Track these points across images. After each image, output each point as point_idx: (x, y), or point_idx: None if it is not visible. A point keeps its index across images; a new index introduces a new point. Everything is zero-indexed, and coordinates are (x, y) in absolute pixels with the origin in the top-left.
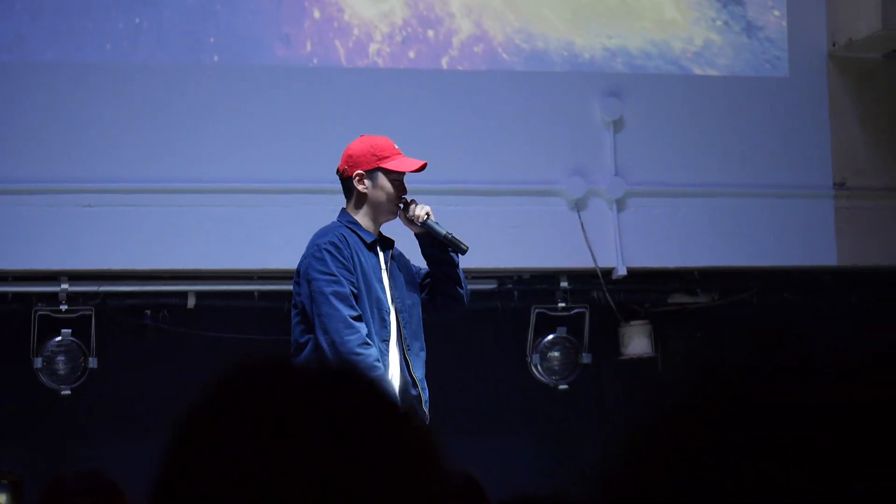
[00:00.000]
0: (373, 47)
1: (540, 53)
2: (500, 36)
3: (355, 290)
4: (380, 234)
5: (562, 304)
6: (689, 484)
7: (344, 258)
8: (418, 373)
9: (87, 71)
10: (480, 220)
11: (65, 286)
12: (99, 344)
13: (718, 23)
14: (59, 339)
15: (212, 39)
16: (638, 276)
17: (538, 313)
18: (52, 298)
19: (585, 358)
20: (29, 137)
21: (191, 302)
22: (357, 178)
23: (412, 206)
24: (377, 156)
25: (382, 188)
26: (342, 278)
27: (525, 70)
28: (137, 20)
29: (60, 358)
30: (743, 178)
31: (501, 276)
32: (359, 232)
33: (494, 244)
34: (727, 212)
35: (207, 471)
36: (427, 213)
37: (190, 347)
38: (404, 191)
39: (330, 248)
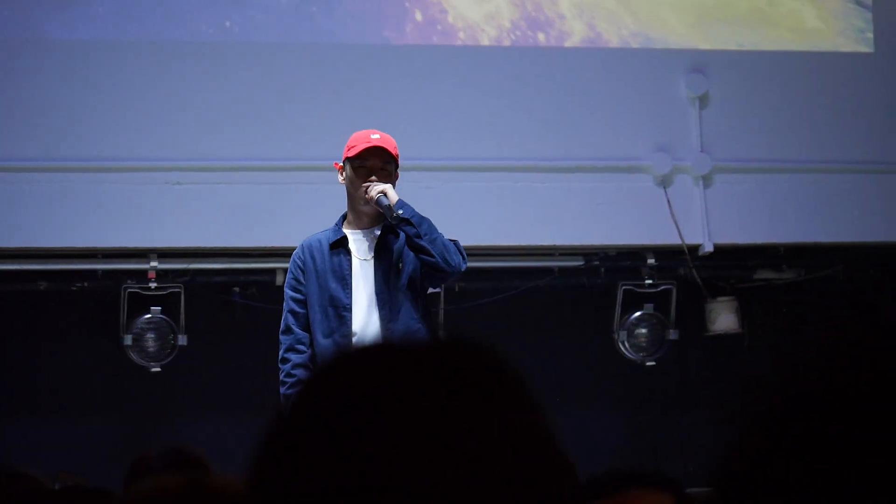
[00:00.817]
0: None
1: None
2: (615, 40)
3: (300, 297)
4: (380, 220)
5: (648, 281)
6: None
7: (296, 268)
8: None
9: (178, 50)
10: (567, 198)
11: (154, 263)
12: (188, 321)
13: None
14: (148, 316)
15: (306, 34)
16: (724, 252)
17: (625, 290)
18: (142, 276)
19: (672, 334)
20: (118, 116)
21: (279, 279)
22: (339, 172)
23: (369, 189)
24: (347, 147)
25: (349, 177)
26: (287, 291)
27: (609, 47)
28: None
29: (150, 335)
30: (829, 153)
31: (588, 253)
32: (330, 233)
33: (581, 221)
34: (813, 187)
35: (312, 446)
36: (382, 192)
37: (278, 324)
38: (371, 175)
39: (290, 262)
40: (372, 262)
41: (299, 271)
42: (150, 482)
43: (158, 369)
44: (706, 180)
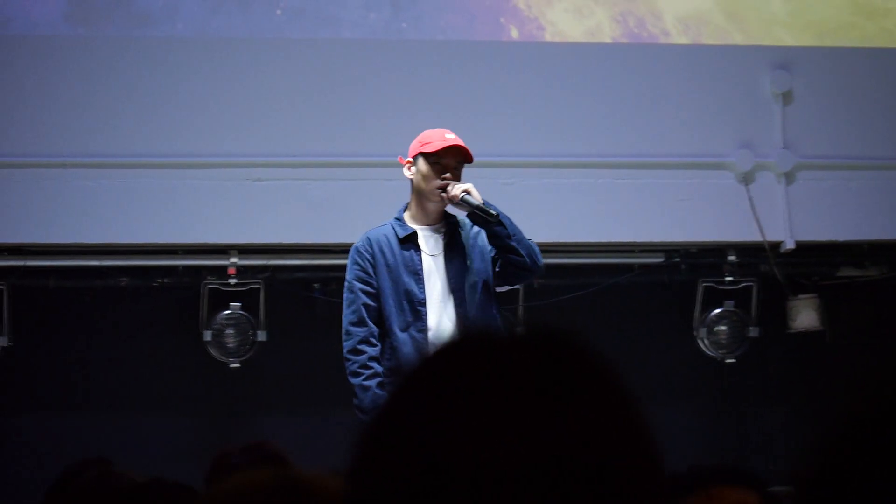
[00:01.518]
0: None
1: None
2: (705, 41)
3: (371, 290)
4: (444, 218)
5: (729, 278)
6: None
7: (363, 261)
8: None
9: (255, 46)
10: (648, 194)
11: (234, 259)
12: (267, 317)
13: None
14: (228, 312)
15: (393, 34)
16: (806, 250)
17: (705, 287)
18: (222, 272)
19: (753, 331)
20: (198, 112)
21: None
22: (406, 166)
23: (450, 187)
24: (421, 142)
25: (421, 172)
26: (354, 283)
27: (691, 42)
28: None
29: (230, 331)
30: None
31: (669, 250)
32: (396, 228)
33: (662, 218)
34: (895, 185)
35: (410, 442)
36: (466, 191)
37: None
38: (446, 172)
39: (353, 254)
40: (441, 257)
41: (368, 265)
42: (235, 478)
43: (238, 365)
44: (789, 177)
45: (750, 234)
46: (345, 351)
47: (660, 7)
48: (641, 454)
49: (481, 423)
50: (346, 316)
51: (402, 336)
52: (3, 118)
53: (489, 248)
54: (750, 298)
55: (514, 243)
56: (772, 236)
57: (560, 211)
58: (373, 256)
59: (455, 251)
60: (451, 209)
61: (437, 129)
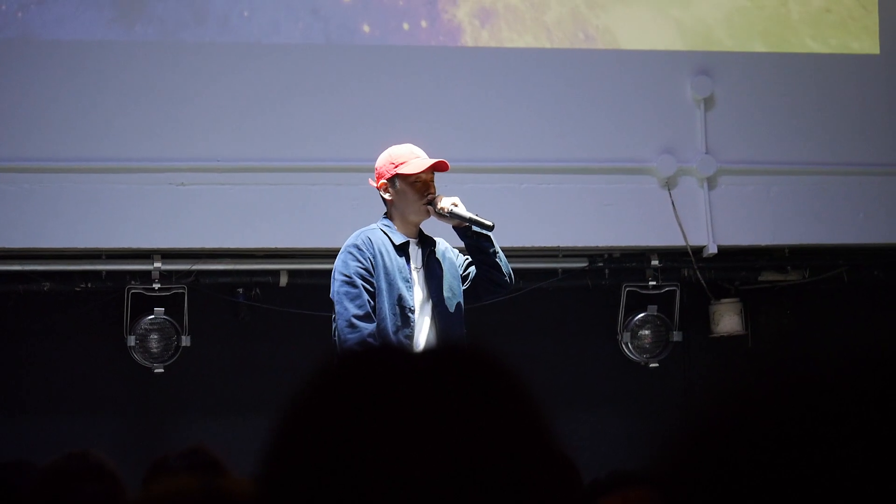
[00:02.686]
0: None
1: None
2: (620, 42)
3: (371, 289)
4: (420, 233)
5: (652, 283)
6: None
7: (363, 258)
8: None
9: (179, 50)
10: (571, 199)
11: (158, 264)
12: (192, 322)
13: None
14: (152, 317)
15: (317, 35)
16: (728, 254)
17: (629, 291)
18: (146, 277)
19: (676, 336)
20: (122, 116)
21: (283, 280)
22: (382, 187)
23: (437, 201)
24: (394, 163)
25: (404, 192)
26: (356, 278)
27: (615, 48)
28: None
29: (154, 336)
30: (834, 155)
31: (592, 255)
32: (390, 234)
33: (585, 222)
34: (817, 190)
35: (318, 449)
36: (453, 204)
37: (282, 325)
38: (428, 189)
39: (352, 250)
40: (422, 271)
41: (369, 263)
42: (166, 484)
43: (162, 370)
44: (711, 182)
45: (673, 239)
46: (351, 343)
47: (583, 13)
48: (549, 462)
49: (383, 434)
50: (351, 309)
51: (394, 339)
52: None
53: (459, 266)
54: (673, 303)
55: (497, 259)
56: (694, 241)
57: (482, 215)
58: (373, 256)
59: (432, 267)
60: (430, 222)
61: (402, 146)
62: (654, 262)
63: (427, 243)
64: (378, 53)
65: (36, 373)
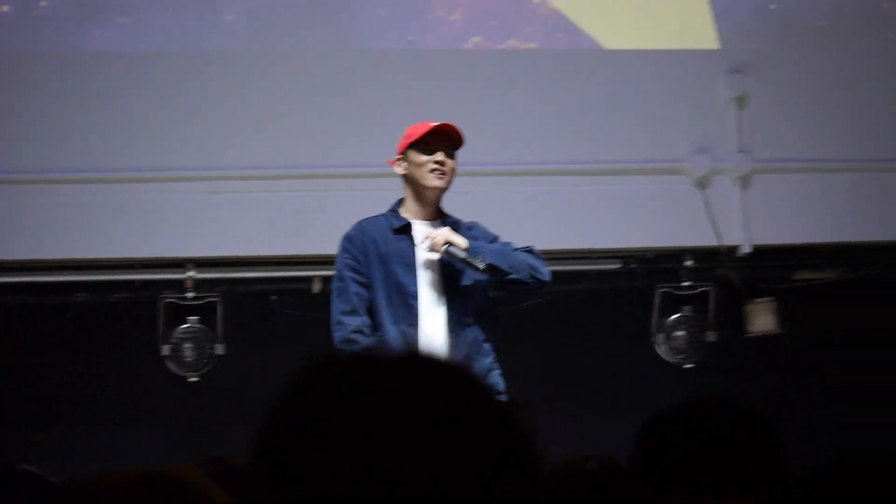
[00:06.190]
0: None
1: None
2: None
3: (363, 280)
4: (438, 213)
5: (686, 283)
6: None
7: (355, 249)
8: (457, 353)
9: (210, 60)
10: (604, 201)
11: (191, 273)
12: (226, 330)
13: None
14: (186, 326)
15: (334, 41)
16: (763, 253)
17: (663, 292)
18: (179, 286)
19: (711, 336)
20: (154, 126)
21: (316, 286)
22: (396, 164)
23: (432, 241)
24: (407, 137)
25: (415, 161)
26: (345, 272)
27: (650, 48)
28: (250, 8)
29: (188, 345)
30: (869, 152)
31: (625, 256)
32: (390, 218)
33: (618, 224)
34: (852, 187)
35: (296, 450)
36: (448, 242)
37: (316, 332)
38: (436, 155)
39: (344, 243)
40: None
41: (359, 253)
42: (106, 473)
43: (196, 379)
44: (745, 181)
45: (706, 239)
46: (336, 341)
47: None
48: (520, 466)
49: (358, 438)
50: (337, 306)
51: (392, 331)
52: None
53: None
54: (707, 303)
55: (512, 277)
56: (728, 240)
57: (516, 219)
58: (364, 244)
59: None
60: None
61: (419, 123)
62: (688, 263)
63: (448, 224)
64: (400, 56)
65: (71, 383)
